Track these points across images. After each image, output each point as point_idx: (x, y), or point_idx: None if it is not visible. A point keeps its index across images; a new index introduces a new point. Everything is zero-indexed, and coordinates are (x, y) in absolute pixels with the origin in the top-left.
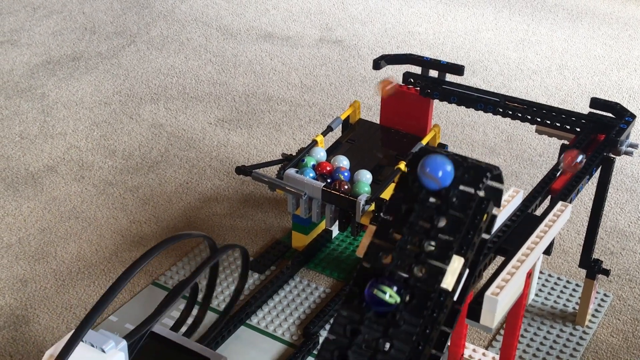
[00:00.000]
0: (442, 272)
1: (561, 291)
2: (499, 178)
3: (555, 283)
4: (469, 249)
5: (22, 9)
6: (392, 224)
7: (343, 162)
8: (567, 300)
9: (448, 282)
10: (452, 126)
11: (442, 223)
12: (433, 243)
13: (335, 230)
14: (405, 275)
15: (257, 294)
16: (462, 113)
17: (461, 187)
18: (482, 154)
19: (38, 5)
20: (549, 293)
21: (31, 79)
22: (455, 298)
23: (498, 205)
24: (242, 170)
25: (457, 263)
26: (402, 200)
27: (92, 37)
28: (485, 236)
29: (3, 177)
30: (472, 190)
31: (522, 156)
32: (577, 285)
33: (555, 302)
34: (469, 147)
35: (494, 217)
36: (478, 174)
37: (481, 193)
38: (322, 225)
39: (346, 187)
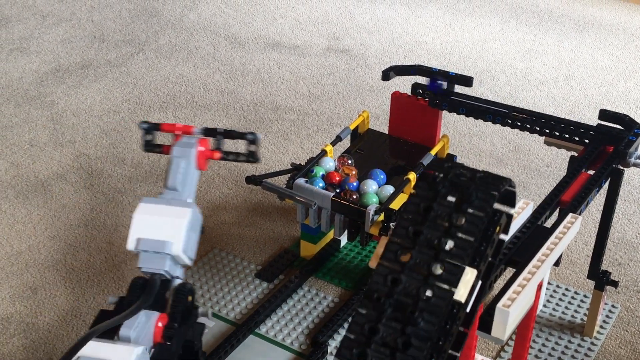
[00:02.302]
0: (456, 285)
1: (569, 302)
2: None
3: (564, 294)
4: (481, 261)
5: (32, 17)
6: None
7: (372, 186)
8: (575, 311)
9: (461, 294)
10: (460, 136)
11: (449, 245)
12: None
13: (343, 240)
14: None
15: (266, 302)
16: (470, 123)
17: (470, 211)
18: (490, 164)
19: (47, 13)
20: (557, 304)
21: (40, 87)
22: (467, 310)
23: (511, 215)
24: (252, 179)
25: (469, 275)
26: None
27: (101, 45)
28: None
29: (13, 185)
30: (482, 214)
31: (530, 166)
32: (585, 296)
33: (563, 312)
34: (477, 157)
35: (507, 227)
36: (490, 186)
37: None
38: (331, 235)
39: (354, 196)
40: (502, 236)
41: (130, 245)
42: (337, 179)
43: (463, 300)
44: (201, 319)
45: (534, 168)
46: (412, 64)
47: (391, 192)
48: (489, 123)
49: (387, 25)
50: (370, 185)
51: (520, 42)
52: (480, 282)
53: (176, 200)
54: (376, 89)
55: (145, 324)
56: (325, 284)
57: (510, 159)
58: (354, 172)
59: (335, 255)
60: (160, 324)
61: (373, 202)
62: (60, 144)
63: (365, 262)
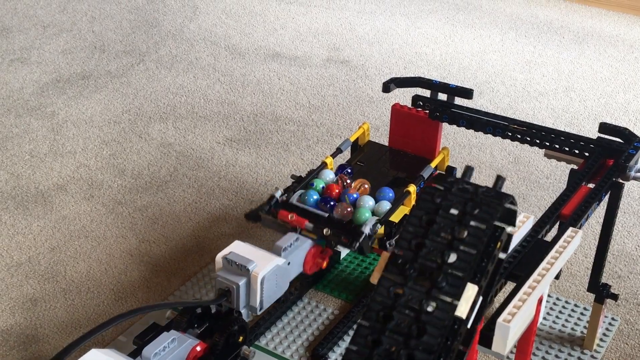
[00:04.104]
0: (458, 299)
1: (569, 315)
2: (512, 204)
3: (564, 306)
4: (482, 276)
5: (32, 27)
6: (404, 257)
7: (369, 202)
8: (575, 324)
9: (462, 310)
10: (459, 148)
11: (452, 258)
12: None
13: (343, 252)
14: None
15: (266, 315)
16: (469, 135)
17: (473, 223)
18: (489, 175)
19: (48, 24)
20: (557, 316)
21: (41, 97)
22: (468, 325)
23: (510, 235)
24: (251, 216)
25: (471, 291)
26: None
27: (102, 55)
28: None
29: (13, 196)
30: (483, 227)
31: (530, 178)
32: (585, 308)
33: (563, 325)
34: (476, 168)
35: (508, 241)
36: (490, 208)
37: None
38: None
39: (348, 209)
40: (501, 255)
41: (218, 263)
42: (337, 191)
43: (464, 317)
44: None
45: (533, 180)
46: (413, 75)
47: (388, 207)
48: (489, 134)
49: (387, 37)
50: (367, 202)
51: (519, 53)
52: (481, 298)
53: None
54: (376, 100)
55: (177, 349)
56: (325, 296)
57: (510, 171)
58: (366, 186)
59: (335, 267)
60: (198, 349)
61: (366, 218)
62: (61, 155)
63: (365, 274)
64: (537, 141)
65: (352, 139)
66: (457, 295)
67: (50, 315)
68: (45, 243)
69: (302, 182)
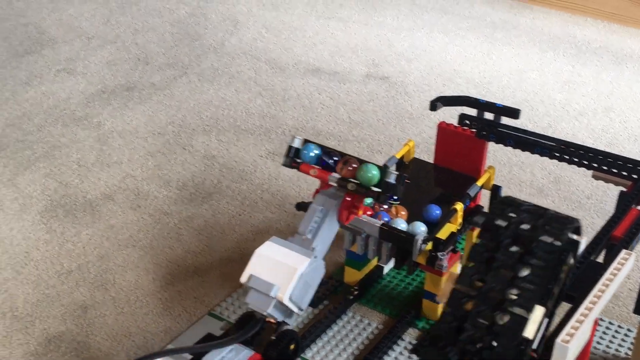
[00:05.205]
0: (525, 321)
1: (613, 335)
2: (577, 230)
3: (607, 327)
4: (549, 298)
5: (77, 39)
6: (475, 271)
7: (421, 228)
8: (619, 345)
9: (529, 331)
10: (500, 166)
11: (524, 272)
12: (515, 291)
13: (386, 267)
14: (486, 322)
15: (312, 327)
16: (509, 153)
17: (543, 238)
18: (530, 194)
19: (92, 36)
20: (601, 337)
21: (87, 108)
22: (534, 346)
23: (576, 257)
24: (302, 206)
25: (538, 312)
26: (485, 248)
27: (145, 67)
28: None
29: (62, 204)
30: (553, 241)
31: (571, 198)
32: (629, 330)
33: (607, 347)
34: (517, 187)
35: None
36: (559, 226)
37: (560, 243)
38: (375, 261)
39: (354, 165)
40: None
41: (243, 278)
42: (369, 213)
43: (531, 337)
44: None
45: (574, 200)
46: (453, 94)
47: (422, 228)
48: (528, 153)
49: (425, 54)
50: (399, 223)
51: (558, 73)
52: (546, 320)
53: (301, 248)
54: (416, 117)
55: (234, 359)
56: (369, 311)
57: (551, 190)
58: (403, 213)
59: (378, 282)
60: None
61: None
62: (107, 165)
63: (409, 290)
64: (585, 162)
65: (398, 156)
66: (529, 311)
67: (100, 323)
68: (94, 251)
69: None
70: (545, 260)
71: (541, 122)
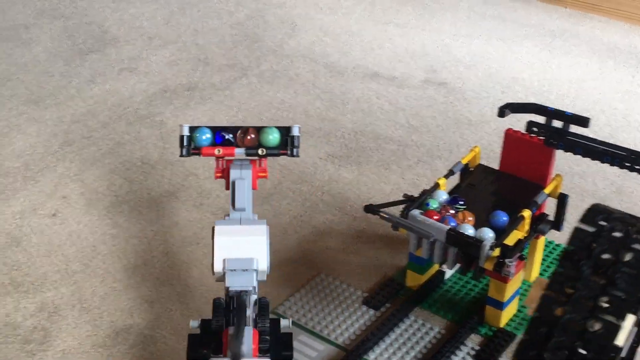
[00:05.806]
0: (617, 329)
1: None
2: None
3: None
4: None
5: (139, 38)
6: (566, 277)
7: (489, 234)
8: None
9: (620, 339)
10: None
11: (615, 279)
12: (605, 299)
13: (448, 272)
14: (577, 329)
15: (375, 330)
16: (570, 162)
17: (635, 245)
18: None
19: (153, 35)
20: None
21: (150, 106)
22: (623, 355)
23: None
24: (370, 209)
25: (630, 320)
26: (577, 255)
27: (206, 68)
28: None
29: (127, 200)
30: None
31: (633, 209)
32: None
33: None
34: (579, 197)
35: None
36: None
37: None
38: (436, 266)
39: (253, 134)
40: None
41: (218, 267)
42: (436, 217)
43: (621, 345)
44: (285, 329)
45: (637, 211)
46: (517, 102)
47: (490, 234)
48: (590, 162)
49: (483, 60)
50: (467, 229)
51: (618, 82)
52: (637, 329)
53: (247, 220)
54: (475, 123)
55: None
56: (431, 315)
57: (613, 200)
58: (470, 218)
59: (440, 286)
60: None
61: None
62: (170, 163)
63: (471, 295)
64: None
65: (464, 162)
66: (621, 319)
67: (166, 318)
68: (159, 247)
69: (417, 202)
70: (637, 268)
71: (602, 132)
